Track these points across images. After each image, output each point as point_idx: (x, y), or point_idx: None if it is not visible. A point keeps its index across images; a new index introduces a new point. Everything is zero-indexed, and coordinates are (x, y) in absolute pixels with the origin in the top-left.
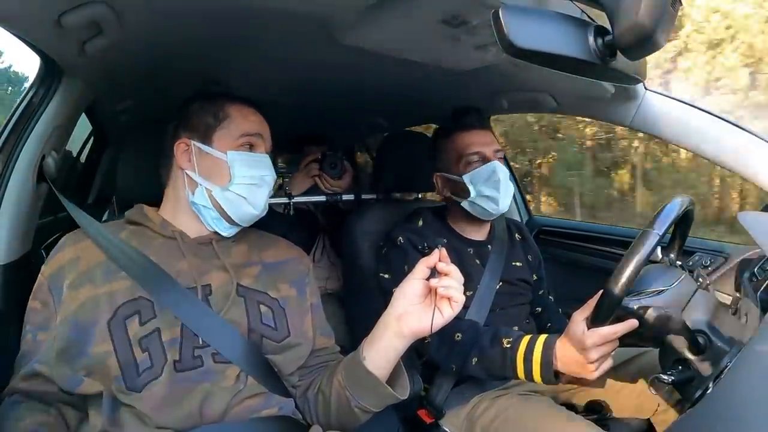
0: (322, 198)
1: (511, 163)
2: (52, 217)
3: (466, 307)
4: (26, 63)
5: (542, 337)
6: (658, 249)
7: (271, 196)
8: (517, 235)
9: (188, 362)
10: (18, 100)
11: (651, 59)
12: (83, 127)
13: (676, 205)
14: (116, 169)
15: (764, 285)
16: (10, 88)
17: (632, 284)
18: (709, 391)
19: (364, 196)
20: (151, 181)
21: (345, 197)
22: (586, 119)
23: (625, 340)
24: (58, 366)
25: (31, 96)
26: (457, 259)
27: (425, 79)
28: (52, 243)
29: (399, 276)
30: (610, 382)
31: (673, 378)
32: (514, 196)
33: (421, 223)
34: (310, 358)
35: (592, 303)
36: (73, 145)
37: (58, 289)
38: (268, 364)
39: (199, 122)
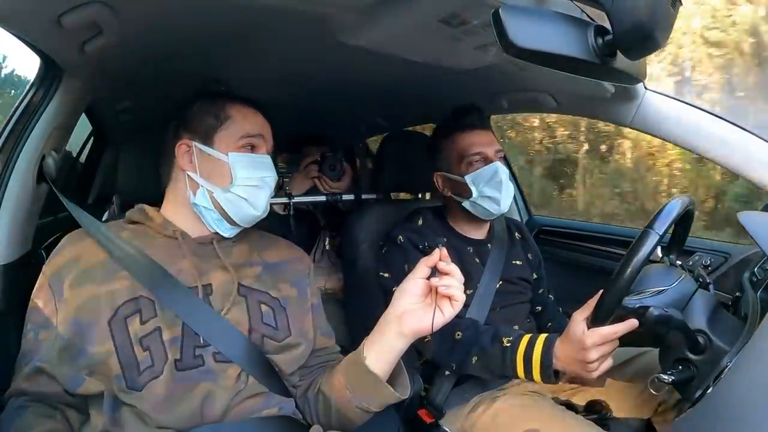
0: (322, 198)
1: None
2: (52, 217)
3: (466, 305)
4: (28, 65)
5: (542, 337)
6: (658, 249)
7: (272, 197)
8: (516, 234)
9: (189, 361)
10: (18, 100)
11: None
12: (83, 127)
13: (676, 205)
14: (116, 169)
15: (764, 285)
16: (13, 92)
17: (632, 284)
18: (709, 391)
19: (364, 196)
20: (152, 181)
21: (345, 197)
22: (535, 124)
23: (625, 340)
24: (60, 366)
25: (31, 96)
26: (457, 258)
27: (425, 79)
28: (52, 243)
29: (399, 275)
30: (610, 382)
31: (673, 378)
32: (514, 197)
33: (421, 222)
34: (310, 358)
35: (592, 303)
36: (73, 145)
37: (59, 288)
38: (269, 364)
39: (200, 123)
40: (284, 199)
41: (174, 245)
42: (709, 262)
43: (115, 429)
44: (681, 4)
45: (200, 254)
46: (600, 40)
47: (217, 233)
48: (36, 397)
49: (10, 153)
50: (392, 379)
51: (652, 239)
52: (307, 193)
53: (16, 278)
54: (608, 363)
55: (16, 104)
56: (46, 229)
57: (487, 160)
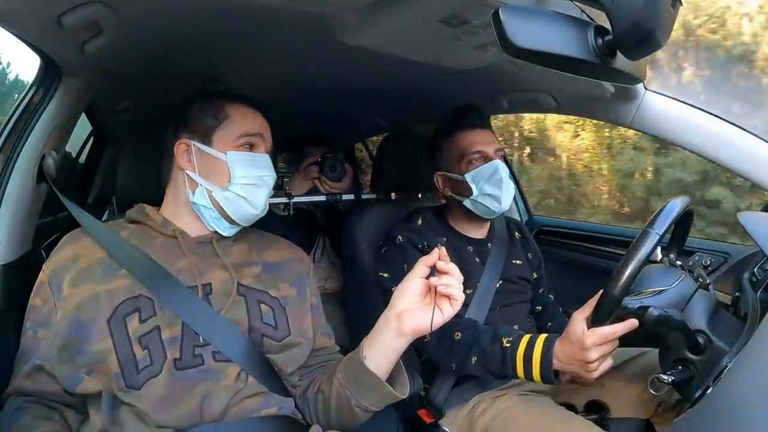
0: (322, 198)
1: None
2: (52, 217)
3: (465, 305)
4: (28, 65)
5: (542, 337)
6: (658, 249)
7: (271, 196)
8: (516, 233)
9: (188, 360)
10: (18, 100)
11: None
12: (83, 127)
13: (676, 205)
14: (116, 169)
15: (764, 285)
16: (16, 95)
17: (632, 284)
18: (708, 391)
19: (364, 196)
20: (151, 181)
21: (345, 197)
22: None
23: (624, 340)
24: (59, 364)
25: (31, 96)
26: (457, 257)
27: (425, 79)
28: (51, 243)
29: (399, 275)
30: (610, 382)
31: (673, 378)
32: (514, 196)
33: (420, 222)
34: (310, 357)
35: (592, 303)
36: (73, 145)
37: (58, 286)
38: (269, 364)
39: (199, 123)
40: (284, 199)
41: (173, 245)
42: (708, 263)
43: (114, 428)
44: (681, 4)
45: (200, 253)
46: (600, 40)
47: (216, 232)
48: (35, 395)
49: (10, 153)
50: (392, 378)
51: (652, 239)
52: (307, 194)
53: (16, 278)
54: (608, 363)
55: (16, 104)
56: (46, 228)
57: (487, 159)
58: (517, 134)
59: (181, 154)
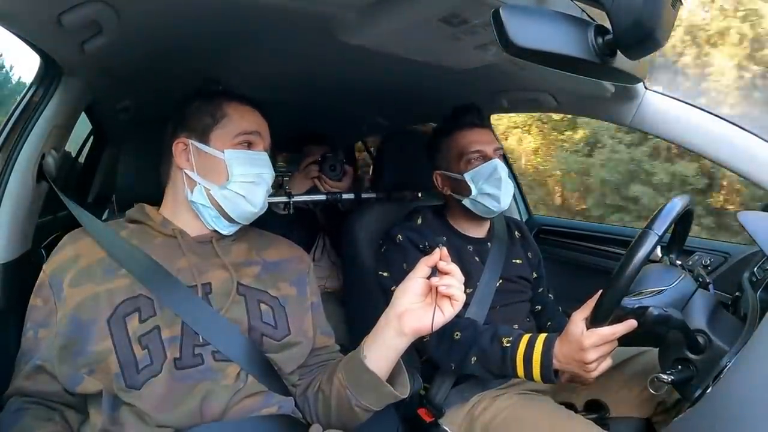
0: (322, 197)
1: None
2: (52, 216)
3: (465, 304)
4: (27, 65)
5: (542, 337)
6: (658, 249)
7: (271, 195)
8: (516, 233)
9: (188, 360)
10: (18, 100)
11: None
12: (83, 126)
13: (676, 205)
14: (116, 169)
15: (764, 285)
16: (17, 96)
17: (632, 284)
18: (708, 391)
19: (364, 196)
20: (151, 181)
21: (345, 196)
22: None
23: (624, 340)
24: (60, 364)
25: (31, 95)
26: (457, 256)
27: (425, 78)
28: (51, 242)
29: (398, 274)
30: (609, 381)
31: (672, 378)
32: (514, 196)
33: (420, 221)
34: (310, 357)
35: (591, 303)
36: (73, 144)
37: (58, 286)
38: (268, 363)
39: (197, 122)
40: (284, 198)
41: (173, 244)
42: (708, 262)
43: (115, 428)
44: (681, 3)
45: (199, 253)
46: (600, 40)
47: (215, 231)
48: (35, 396)
49: (10, 152)
50: (392, 378)
51: (652, 239)
52: (307, 193)
53: (16, 277)
54: (607, 363)
55: (16, 103)
56: (46, 227)
57: (486, 158)
58: None
59: (179, 153)
